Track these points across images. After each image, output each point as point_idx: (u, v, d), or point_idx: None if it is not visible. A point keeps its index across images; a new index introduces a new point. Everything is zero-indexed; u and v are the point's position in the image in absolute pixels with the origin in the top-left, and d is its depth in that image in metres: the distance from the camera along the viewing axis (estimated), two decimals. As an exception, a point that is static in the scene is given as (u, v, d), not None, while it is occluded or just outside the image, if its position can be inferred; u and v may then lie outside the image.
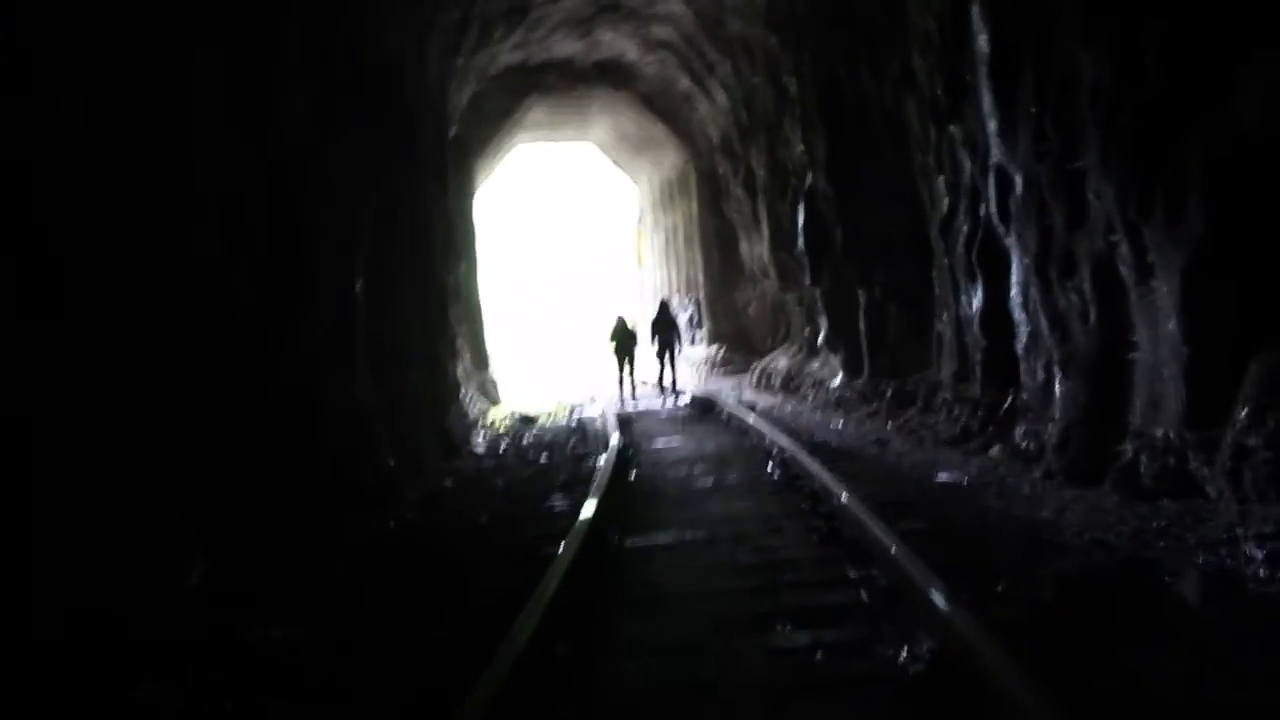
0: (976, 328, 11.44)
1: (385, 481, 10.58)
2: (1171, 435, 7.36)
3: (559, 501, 9.56)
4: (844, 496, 7.47)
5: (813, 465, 9.13)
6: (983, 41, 10.00)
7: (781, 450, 10.60)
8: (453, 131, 19.43)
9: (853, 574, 5.99)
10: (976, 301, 11.41)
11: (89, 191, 6.34)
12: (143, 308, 6.90)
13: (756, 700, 4.43)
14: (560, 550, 6.69)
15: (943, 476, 9.45)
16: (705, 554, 7.04)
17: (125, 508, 6.26)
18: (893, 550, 5.68)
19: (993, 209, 10.48)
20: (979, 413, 11.06)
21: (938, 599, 4.73)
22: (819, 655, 4.79)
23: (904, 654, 4.62)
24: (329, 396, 9.79)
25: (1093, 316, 8.44)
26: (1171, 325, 7.30)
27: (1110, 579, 5.52)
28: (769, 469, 10.44)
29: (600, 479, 9.65)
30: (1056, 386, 9.05)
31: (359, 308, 10.96)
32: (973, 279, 11.51)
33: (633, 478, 10.86)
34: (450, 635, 5.65)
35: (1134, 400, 7.97)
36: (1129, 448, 7.82)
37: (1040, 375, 9.54)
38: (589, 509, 7.91)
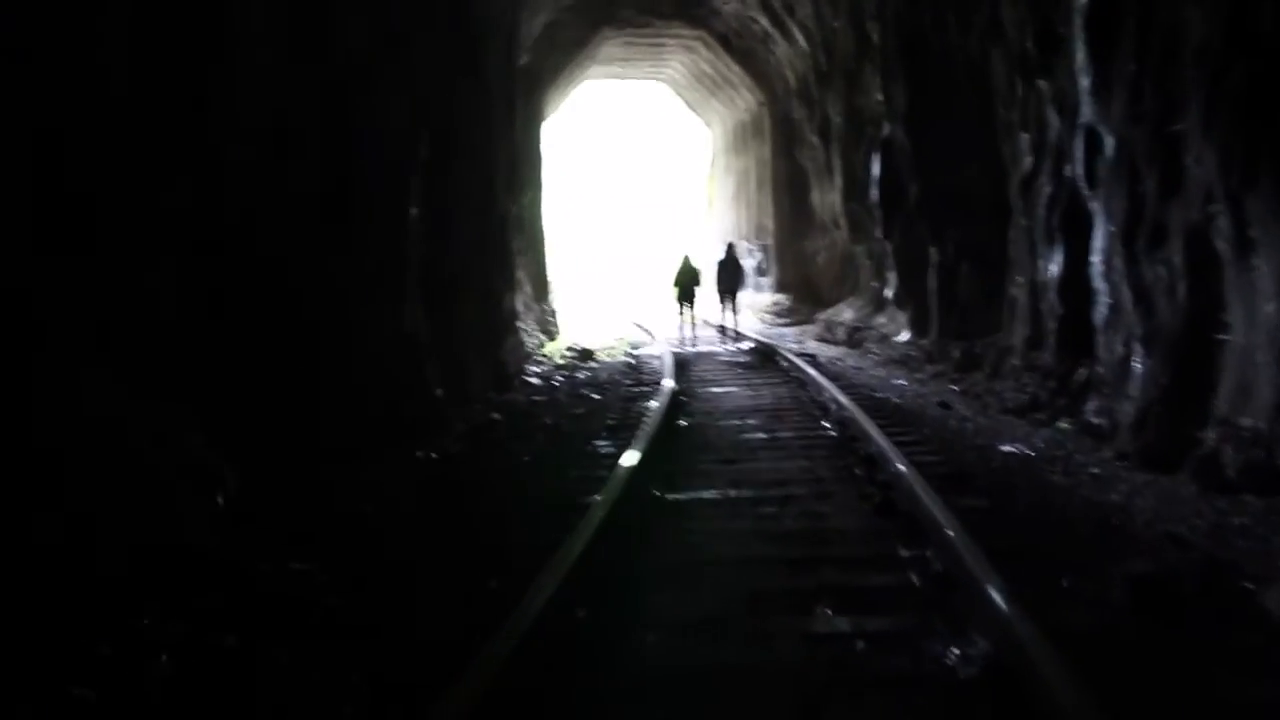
0: (1053, 294, 10.84)
1: (432, 413, 10.30)
2: (1261, 426, 6.78)
3: (605, 445, 9.18)
4: (901, 465, 6.98)
5: (870, 427, 8.64)
6: (1081, -9, 9.32)
7: (840, 407, 10.11)
8: (524, 59, 18.89)
9: (904, 553, 5.50)
10: (1055, 267, 10.81)
11: (126, 103, 6.01)
12: (182, 227, 6.60)
13: (786, 695, 3.99)
14: (598, 498, 6.32)
15: (1007, 447, 8.92)
16: (748, 516, 6.58)
17: (150, 427, 5.97)
18: (950, 532, 5.20)
19: (1079, 171, 9.85)
20: (1049, 383, 10.48)
21: (996, 594, 4.25)
22: (860, 645, 4.34)
23: (954, 655, 4.15)
24: (378, 324, 9.52)
25: (1182, 291, 7.81)
26: (1271, 307, 6.69)
27: (1186, 582, 4.99)
28: (826, 426, 9.96)
29: (650, 424, 9.25)
30: (1136, 363, 8.44)
31: (413, 235, 10.60)
32: (1052, 243, 10.90)
33: (683, 425, 10.43)
34: (469, 585, 5.28)
35: (1221, 385, 7.37)
36: (1212, 435, 7.24)
37: (1119, 349, 8.94)
38: (633, 456, 7.51)
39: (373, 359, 9.16)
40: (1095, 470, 7.91)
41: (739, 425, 10.32)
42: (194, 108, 6.70)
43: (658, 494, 7.10)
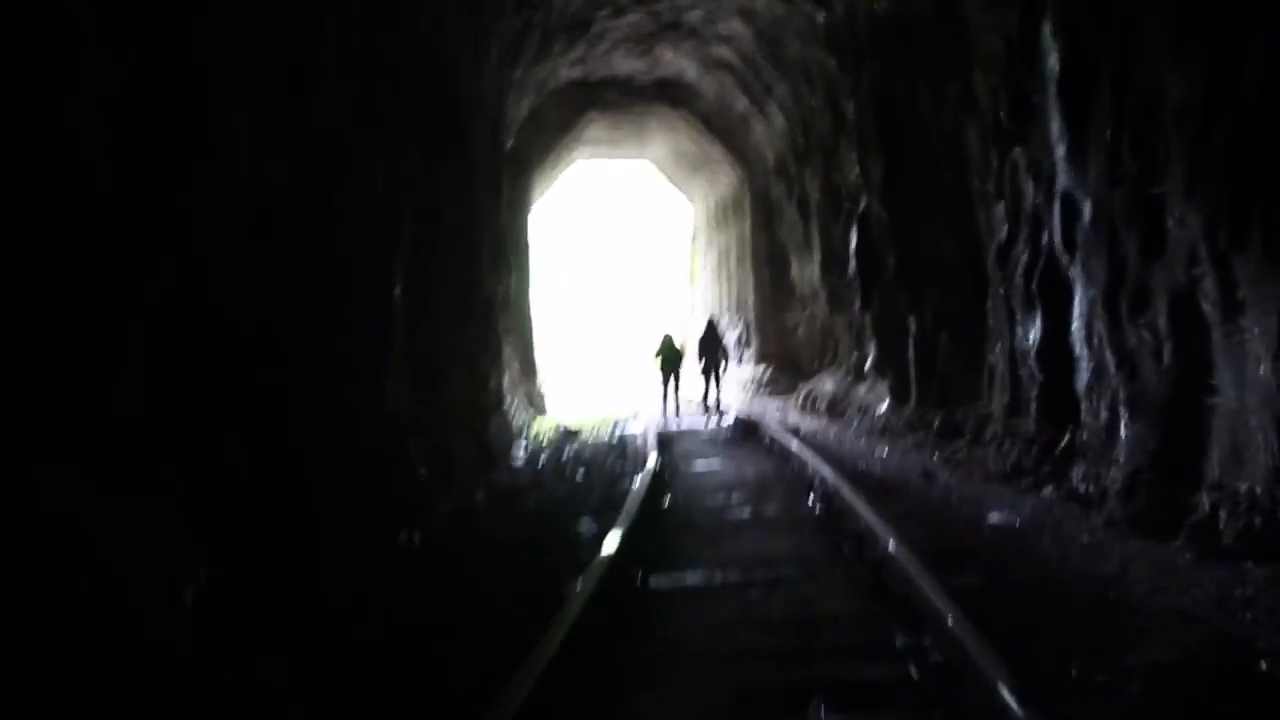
0: (1033, 360, 10.42)
1: (415, 494, 9.82)
2: (1258, 490, 6.35)
3: (587, 526, 8.67)
4: (891, 544, 6.50)
5: (857, 502, 8.15)
6: (1054, 60, 9.06)
7: (824, 481, 9.60)
8: (510, 143, 18.66)
9: (900, 641, 5.01)
10: (1034, 333, 10.40)
11: (100, 185, 5.62)
12: (156, 312, 6.17)
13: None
14: (578, 588, 5.83)
15: (994, 517, 8.47)
16: (735, 602, 6.06)
17: (113, 521, 5.48)
18: (948, 617, 4.72)
19: (1057, 237, 9.52)
20: (1032, 450, 10.01)
21: (1005, 689, 3.77)
22: (859, 751, 3.85)
23: (963, 762, 3.66)
24: (359, 403, 9.06)
25: (1167, 355, 7.42)
26: (1263, 369, 6.29)
27: (1202, 665, 4.53)
28: (810, 502, 9.47)
29: (632, 504, 8.72)
30: (1122, 428, 8.03)
31: (397, 314, 10.21)
32: (1031, 310, 10.50)
33: (667, 504, 9.91)
34: (439, 689, 4.78)
35: (1212, 449, 6.95)
36: (1205, 500, 6.80)
37: (1103, 415, 8.53)
38: (615, 539, 6.97)
39: (355, 440, 8.67)
40: (1085, 539, 7.47)
41: (723, 503, 9.84)
42: (174, 193, 6.33)
43: (640, 580, 6.59)
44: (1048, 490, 9.20)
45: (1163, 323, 7.44)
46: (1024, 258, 10.74)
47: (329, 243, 8.38)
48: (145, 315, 5.99)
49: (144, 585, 5.54)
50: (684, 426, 18.59)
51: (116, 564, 5.44)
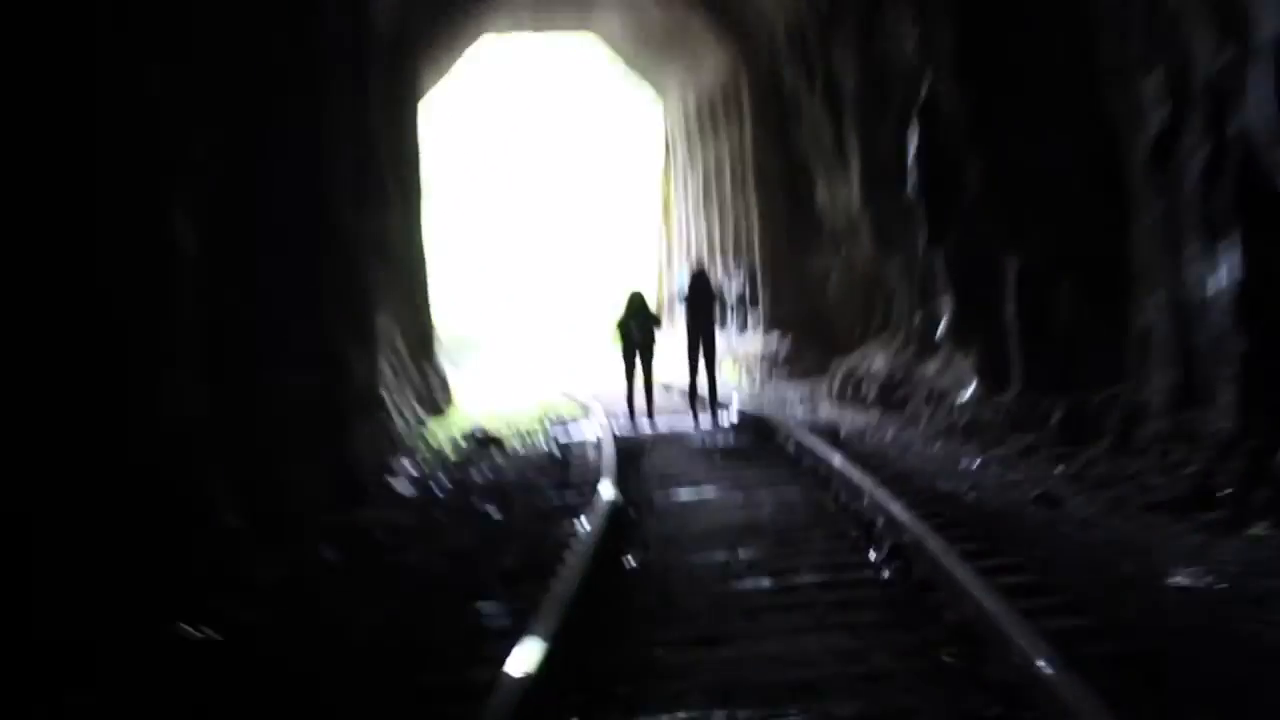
0: (1222, 316, 9.56)
1: (220, 555, 8.72)
2: None
3: (496, 614, 7.36)
4: (1028, 647, 5.20)
5: (948, 559, 6.98)
6: None
7: (892, 523, 8.31)
8: (382, 16, 17.67)
9: None
10: (1222, 275, 9.52)
11: None
12: None
13: None
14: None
15: (1180, 579, 7.33)
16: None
17: None
18: None
19: (1260, 116, 8.60)
20: (1228, 461, 9.11)
21: None
22: None
23: None
24: (119, 410, 8.13)
25: None
26: None
27: None
28: (871, 561, 8.20)
29: (574, 567, 7.60)
30: None
31: (183, 271, 9.21)
32: (1214, 238, 9.64)
33: (631, 565, 8.68)
34: None
35: None
36: None
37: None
38: (537, 647, 5.61)
39: (110, 471, 7.73)
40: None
41: (723, 564, 8.55)
42: None
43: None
44: (1260, 528, 8.23)
45: None
46: (1199, 155, 9.85)
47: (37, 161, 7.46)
48: None
49: None
50: (660, 429, 18.06)
51: None
